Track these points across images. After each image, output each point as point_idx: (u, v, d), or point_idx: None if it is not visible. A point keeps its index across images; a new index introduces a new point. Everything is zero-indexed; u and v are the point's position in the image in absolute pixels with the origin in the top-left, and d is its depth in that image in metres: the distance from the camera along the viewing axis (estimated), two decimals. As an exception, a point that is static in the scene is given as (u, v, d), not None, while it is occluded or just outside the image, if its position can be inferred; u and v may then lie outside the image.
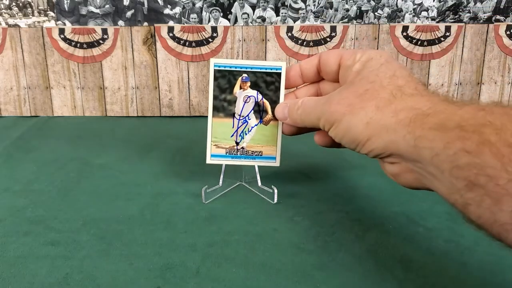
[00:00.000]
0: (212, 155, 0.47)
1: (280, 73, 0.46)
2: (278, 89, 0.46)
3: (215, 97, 0.46)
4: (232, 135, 0.47)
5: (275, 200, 0.47)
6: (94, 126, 0.75)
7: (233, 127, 0.47)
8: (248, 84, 0.46)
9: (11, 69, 0.78)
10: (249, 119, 0.47)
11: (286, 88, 0.45)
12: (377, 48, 0.78)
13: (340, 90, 0.37)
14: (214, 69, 0.46)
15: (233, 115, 0.47)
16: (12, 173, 0.55)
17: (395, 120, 0.31)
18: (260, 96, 0.46)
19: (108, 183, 0.52)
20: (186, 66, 0.78)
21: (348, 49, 0.39)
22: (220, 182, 0.48)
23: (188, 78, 0.79)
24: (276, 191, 0.47)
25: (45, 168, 0.57)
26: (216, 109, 0.46)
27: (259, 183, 0.48)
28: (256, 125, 0.47)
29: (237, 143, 0.47)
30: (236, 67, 0.46)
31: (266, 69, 0.46)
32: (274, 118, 0.46)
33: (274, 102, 0.46)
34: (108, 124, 0.76)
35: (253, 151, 0.47)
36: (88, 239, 0.41)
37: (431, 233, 0.41)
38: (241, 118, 0.47)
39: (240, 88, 0.46)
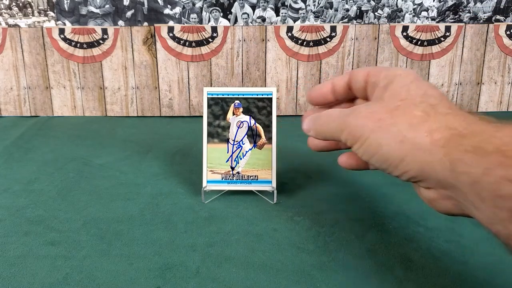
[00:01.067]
0: (208, 181, 0.48)
1: (271, 98, 0.47)
2: (270, 113, 0.48)
3: (209, 124, 0.48)
4: (227, 160, 0.48)
5: (275, 200, 0.47)
6: (94, 126, 0.75)
7: (227, 153, 0.48)
8: (241, 110, 0.47)
9: (11, 69, 0.78)
10: (243, 144, 0.48)
11: (316, 105, 0.44)
12: (377, 48, 0.78)
13: (368, 104, 0.35)
14: (208, 97, 0.47)
15: (227, 141, 0.48)
16: (12, 173, 0.55)
17: (429, 140, 0.29)
18: (253, 121, 0.47)
19: (108, 183, 0.52)
20: (186, 66, 0.78)
21: (377, 66, 0.37)
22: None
23: (188, 78, 0.79)
24: (275, 191, 0.47)
25: (45, 168, 0.57)
26: (210, 135, 0.48)
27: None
28: (250, 149, 0.48)
29: (233, 168, 0.48)
30: (228, 94, 0.47)
31: (257, 94, 0.47)
32: (268, 142, 0.47)
33: (267, 126, 0.48)
34: (108, 124, 0.76)
35: (248, 176, 0.48)
36: (88, 239, 0.41)
37: (431, 233, 0.41)
38: (235, 143, 0.48)
39: (233, 114, 0.48)
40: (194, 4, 0.76)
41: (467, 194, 0.26)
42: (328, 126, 0.37)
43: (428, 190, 0.32)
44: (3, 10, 0.76)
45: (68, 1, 0.76)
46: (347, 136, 0.34)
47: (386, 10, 0.77)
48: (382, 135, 0.31)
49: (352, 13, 0.76)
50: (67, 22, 0.77)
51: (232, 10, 0.76)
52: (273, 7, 0.76)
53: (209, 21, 0.76)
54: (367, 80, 0.38)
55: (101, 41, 0.77)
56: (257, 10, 0.76)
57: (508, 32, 0.78)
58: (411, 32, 0.77)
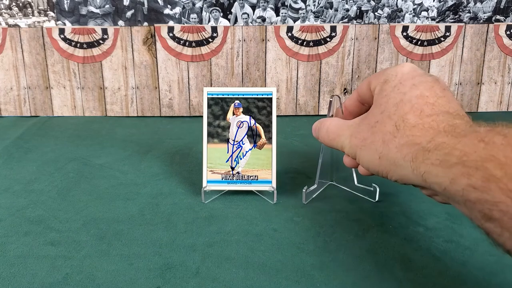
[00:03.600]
0: (208, 181, 0.48)
1: (271, 98, 0.47)
2: (270, 113, 0.47)
3: (209, 124, 0.48)
4: (227, 160, 0.48)
5: (275, 200, 0.47)
6: (94, 126, 0.75)
7: (227, 153, 0.48)
8: (241, 110, 0.47)
9: (11, 69, 0.78)
10: (243, 144, 0.48)
11: (347, 118, 0.44)
12: (377, 48, 0.78)
13: (359, 121, 0.37)
14: (208, 97, 0.47)
15: (227, 141, 0.48)
16: (12, 173, 0.55)
17: (400, 155, 0.31)
18: (253, 121, 0.47)
19: (108, 183, 0.52)
20: (186, 66, 0.78)
21: (378, 72, 0.38)
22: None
23: (188, 78, 0.79)
24: (275, 191, 0.47)
25: (45, 168, 0.57)
26: (210, 135, 0.48)
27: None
28: (250, 149, 0.48)
29: (233, 168, 0.48)
30: (228, 94, 0.47)
31: (257, 94, 0.47)
32: (268, 142, 0.47)
33: (267, 126, 0.48)
34: (108, 124, 0.76)
35: (248, 176, 0.48)
36: (88, 239, 0.41)
37: (431, 233, 0.41)
38: (235, 143, 0.48)
39: (233, 114, 0.48)
40: (194, 4, 0.76)
41: (444, 197, 0.29)
42: (331, 142, 0.40)
43: (423, 190, 0.33)
44: (3, 10, 0.76)
45: (68, 1, 0.76)
46: (347, 152, 0.37)
47: (386, 10, 0.77)
48: (366, 153, 0.34)
49: (352, 13, 0.76)
50: (67, 22, 0.77)
51: (232, 10, 0.76)
52: (273, 7, 0.76)
53: (209, 21, 0.76)
54: (370, 89, 0.40)
55: (101, 41, 0.77)
56: (257, 10, 0.76)
57: (508, 32, 0.78)
58: (411, 32, 0.77)
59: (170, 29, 0.77)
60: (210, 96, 0.48)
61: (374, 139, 0.34)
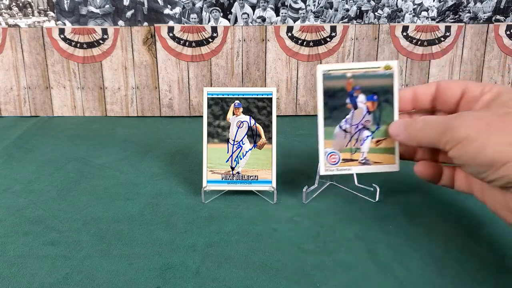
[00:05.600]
0: (208, 181, 0.48)
1: (271, 98, 0.47)
2: (270, 113, 0.47)
3: (209, 124, 0.48)
4: (227, 160, 0.48)
5: (275, 200, 0.47)
6: (94, 126, 0.75)
7: (227, 153, 0.48)
8: (241, 110, 0.47)
9: (11, 69, 0.78)
10: (243, 144, 0.48)
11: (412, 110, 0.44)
12: (377, 48, 0.78)
13: (473, 111, 0.35)
14: (208, 97, 0.47)
15: (227, 141, 0.48)
16: (12, 173, 0.55)
17: None
18: (253, 121, 0.47)
19: (108, 183, 0.52)
20: (186, 66, 0.78)
21: (472, 81, 0.38)
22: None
23: (188, 78, 0.79)
24: (275, 191, 0.47)
25: (45, 168, 0.57)
26: (210, 135, 0.48)
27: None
28: (250, 149, 0.48)
29: (233, 168, 0.48)
30: (228, 94, 0.47)
31: (257, 94, 0.47)
32: (268, 142, 0.47)
33: (267, 126, 0.47)
34: (108, 124, 0.76)
35: (248, 176, 0.48)
36: (88, 239, 0.41)
37: (431, 233, 0.41)
38: (235, 143, 0.48)
39: (233, 114, 0.47)
40: (194, 4, 0.76)
41: None
42: (425, 131, 0.37)
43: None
44: (3, 10, 0.76)
45: (68, 1, 0.76)
46: (448, 138, 0.34)
47: (386, 10, 0.77)
48: (489, 137, 0.32)
49: (352, 13, 0.76)
50: (67, 22, 0.77)
51: (232, 10, 0.76)
52: (273, 7, 0.76)
53: (209, 21, 0.76)
54: (465, 93, 0.39)
55: (101, 41, 0.77)
56: (257, 10, 0.76)
57: (508, 32, 0.78)
58: (411, 32, 0.77)
59: (170, 29, 0.77)
60: (210, 96, 0.48)
61: (506, 127, 0.31)
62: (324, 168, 0.44)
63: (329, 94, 0.43)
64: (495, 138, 0.31)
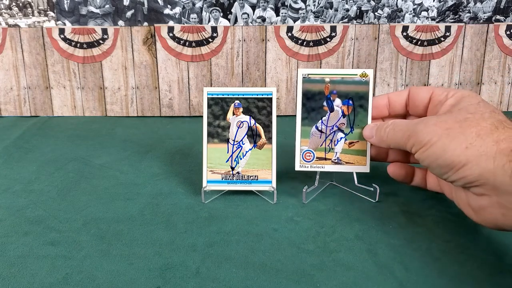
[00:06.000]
0: (208, 181, 0.48)
1: (271, 98, 0.47)
2: (270, 113, 0.48)
3: (209, 124, 0.48)
4: (227, 160, 0.48)
5: (275, 200, 0.47)
6: (94, 126, 0.75)
7: (227, 153, 0.48)
8: (241, 110, 0.47)
9: (11, 69, 0.78)
10: (243, 144, 0.48)
11: (372, 118, 0.47)
12: (377, 48, 0.78)
13: (437, 115, 0.38)
14: (208, 97, 0.48)
15: (227, 141, 0.48)
16: (12, 173, 0.55)
17: (496, 149, 0.31)
18: (253, 121, 0.48)
19: (108, 183, 0.52)
20: (186, 66, 0.78)
21: (439, 86, 0.41)
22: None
23: (188, 78, 0.79)
24: (275, 191, 0.47)
25: (45, 168, 0.57)
26: (210, 135, 0.48)
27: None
28: (250, 149, 0.48)
29: (233, 168, 0.48)
30: (228, 94, 0.48)
31: (257, 94, 0.47)
32: (268, 142, 0.47)
33: (267, 126, 0.47)
34: (108, 124, 0.76)
35: (248, 176, 0.48)
36: (88, 239, 0.41)
37: (431, 233, 0.41)
38: (235, 143, 0.48)
39: (233, 114, 0.48)
40: (194, 4, 0.76)
41: None
42: (394, 134, 0.40)
43: (480, 197, 0.33)
44: (3, 10, 0.76)
45: (68, 1, 0.76)
46: (414, 142, 0.37)
47: (386, 10, 0.77)
48: (449, 141, 0.34)
49: (352, 13, 0.76)
50: (67, 22, 0.77)
51: (232, 10, 0.76)
52: (273, 7, 0.76)
53: (209, 21, 0.76)
54: (432, 97, 0.41)
55: (101, 41, 0.77)
56: (257, 10, 0.76)
57: (508, 32, 0.78)
58: (411, 32, 0.77)
59: (170, 29, 0.77)
60: (210, 96, 0.48)
61: (464, 131, 0.34)
62: (299, 164, 0.48)
63: (307, 96, 0.47)
64: (454, 142, 0.34)
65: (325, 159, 0.47)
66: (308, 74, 0.46)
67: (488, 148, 0.32)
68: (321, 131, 0.47)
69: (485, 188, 0.32)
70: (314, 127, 0.47)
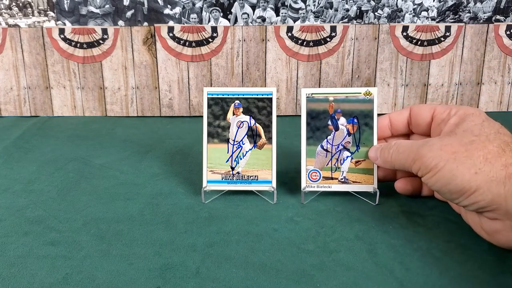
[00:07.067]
0: (208, 181, 0.48)
1: (271, 98, 0.47)
2: (270, 113, 0.47)
3: (209, 124, 0.48)
4: (227, 161, 0.48)
5: (275, 200, 0.47)
6: (94, 126, 0.75)
7: (227, 153, 0.48)
8: (241, 110, 0.47)
9: (11, 69, 0.78)
10: (243, 144, 0.48)
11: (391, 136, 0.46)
12: (377, 48, 0.78)
13: (440, 137, 0.37)
14: (208, 97, 0.47)
15: (227, 141, 0.48)
16: (12, 173, 0.55)
17: (505, 174, 0.31)
18: (253, 121, 0.47)
19: (108, 183, 0.52)
20: (186, 66, 0.78)
21: (442, 104, 0.41)
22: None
23: (188, 78, 0.79)
24: (275, 191, 0.47)
25: (45, 168, 0.57)
26: (210, 135, 0.48)
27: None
28: (250, 149, 0.48)
29: (233, 168, 0.48)
30: (228, 94, 0.47)
31: (257, 95, 0.47)
32: (268, 142, 0.47)
33: (267, 126, 0.47)
34: (108, 124, 0.76)
35: (249, 176, 0.48)
36: (88, 239, 0.41)
37: (431, 233, 0.41)
38: (235, 143, 0.48)
39: (233, 114, 0.48)
40: (194, 4, 0.76)
41: None
42: (398, 156, 0.39)
43: (494, 221, 0.33)
44: (3, 10, 0.76)
45: (68, 1, 0.76)
46: (419, 166, 0.36)
47: (386, 10, 0.77)
48: (456, 166, 0.33)
49: (352, 13, 0.76)
50: (67, 22, 0.77)
51: (232, 10, 0.76)
52: (273, 7, 0.76)
53: (209, 21, 0.76)
54: (434, 116, 0.41)
55: (101, 41, 0.77)
56: (257, 10, 0.76)
57: (508, 32, 0.78)
58: (411, 32, 0.77)
59: (170, 29, 0.77)
60: (210, 96, 0.48)
61: (471, 154, 0.33)
62: (305, 184, 0.47)
63: (312, 115, 0.47)
64: (462, 167, 0.33)
65: (332, 178, 0.47)
66: (312, 94, 0.46)
67: (497, 173, 0.32)
68: (326, 150, 0.47)
69: (497, 213, 0.32)
70: (319, 146, 0.47)
